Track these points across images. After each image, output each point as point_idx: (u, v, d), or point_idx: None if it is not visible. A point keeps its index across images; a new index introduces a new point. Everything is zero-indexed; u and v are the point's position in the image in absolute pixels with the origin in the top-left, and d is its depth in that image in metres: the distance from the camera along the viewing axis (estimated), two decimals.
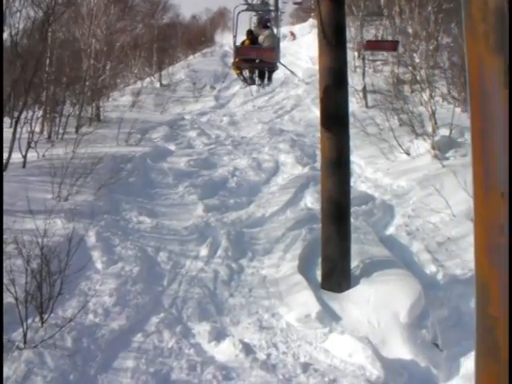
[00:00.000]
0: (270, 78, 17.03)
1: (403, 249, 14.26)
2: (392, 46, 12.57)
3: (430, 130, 21.58)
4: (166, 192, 17.72)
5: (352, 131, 26.33)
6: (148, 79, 42.35)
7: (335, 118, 11.29)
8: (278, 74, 40.74)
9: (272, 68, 16.02)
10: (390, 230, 15.38)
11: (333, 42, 10.82)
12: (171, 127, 27.56)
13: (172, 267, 12.57)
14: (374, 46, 12.17)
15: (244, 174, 20.09)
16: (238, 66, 16.00)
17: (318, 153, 23.57)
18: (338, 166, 11.44)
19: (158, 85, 41.01)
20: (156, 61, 43.76)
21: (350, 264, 11.88)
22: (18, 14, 21.89)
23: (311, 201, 16.57)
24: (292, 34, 33.73)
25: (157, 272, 12.30)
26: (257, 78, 16.99)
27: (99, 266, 12.01)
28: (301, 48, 47.99)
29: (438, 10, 32.37)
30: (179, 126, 28.68)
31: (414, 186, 17.93)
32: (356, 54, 36.04)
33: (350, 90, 30.32)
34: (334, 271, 11.71)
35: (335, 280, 11.66)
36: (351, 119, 28.90)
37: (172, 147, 23.40)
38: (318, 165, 21.54)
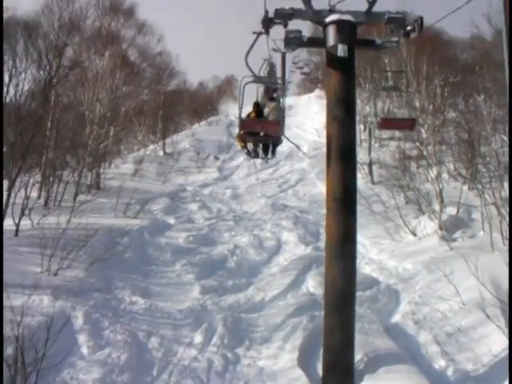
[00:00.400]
0: (274, 152, 16.98)
1: (410, 339, 13.38)
2: (409, 124, 12.14)
3: (436, 208, 20.97)
4: (162, 269, 16.96)
5: (357, 209, 26.36)
6: (152, 147, 42.12)
7: (342, 196, 10.63)
8: (283, 147, 40.39)
9: (276, 142, 15.93)
10: (396, 318, 14.51)
11: (342, 115, 10.27)
12: (172, 199, 27.01)
13: (163, 355, 11.66)
14: (390, 124, 11.83)
15: (244, 253, 19.36)
16: (242, 139, 15.93)
17: (322, 231, 23.15)
18: (343, 251, 10.70)
19: (161, 153, 40.82)
20: (160, 128, 43.62)
21: (353, 357, 11.00)
22: (23, 75, 21.68)
23: (313, 285, 15.72)
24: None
25: (146, 360, 11.41)
26: (261, 151, 17.04)
27: (85, 351, 11.14)
28: (307, 119, 47.91)
29: (445, 84, 32.14)
30: (180, 198, 28.14)
31: (421, 269, 17.16)
32: (362, 127, 35.86)
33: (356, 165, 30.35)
34: (337, 365, 10.80)
35: (337, 375, 10.75)
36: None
37: (171, 221, 22.75)
38: (322, 244, 20.95)
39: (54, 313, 11.12)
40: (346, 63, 10.14)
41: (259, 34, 11.10)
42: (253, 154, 17.13)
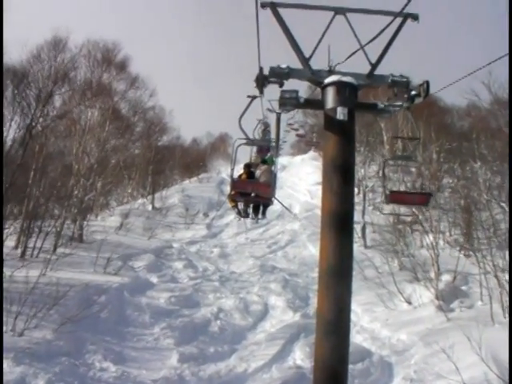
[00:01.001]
0: (264, 213, 16.94)
1: None
2: (423, 199, 10.22)
3: (432, 275, 20.01)
4: (139, 332, 15.82)
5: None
6: (140, 201, 41.21)
7: (337, 269, 9.63)
8: (275, 206, 39.56)
9: (267, 203, 15.12)
10: None
11: (339, 182, 9.33)
12: (157, 256, 25.91)
13: None
14: (401, 198, 10.39)
15: (229, 317, 18.24)
16: (233, 199, 15.88)
17: (312, 295, 22.12)
18: (336, 329, 9.66)
19: (150, 207, 39.78)
20: (150, 182, 42.74)
21: None
22: (8, 124, 20.92)
23: (301, 356, 14.57)
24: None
25: None
26: (251, 212, 16.93)
27: None
28: (300, 180, 47.14)
29: (441, 149, 31.50)
30: (166, 255, 27.06)
31: (416, 341, 16.13)
32: (356, 190, 35.15)
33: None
34: None
35: None
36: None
37: (154, 279, 21.59)
38: (311, 310, 19.90)
39: (13, 380, 9.96)
40: (345, 127, 9.23)
41: (253, 97, 10.36)
42: (243, 214, 16.87)
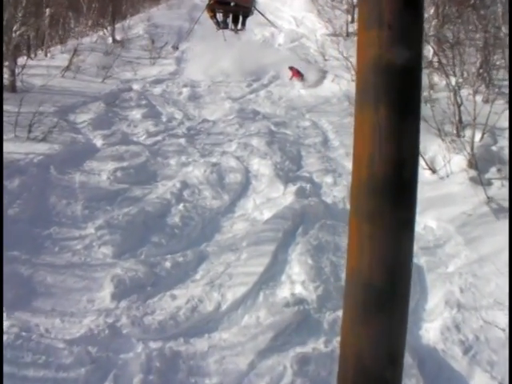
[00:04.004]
0: (244, 23, 17.66)
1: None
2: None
3: (466, 134, 15.26)
4: (65, 235, 10.94)
5: (347, 121, 20.44)
6: (100, 33, 35.26)
7: (398, 185, 4.64)
8: (256, 35, 34.17)
9: (247, 13, 16.84)
10: (426, 335, 8.94)
11: None
12: (109, 104, 20.64)
13: None
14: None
15: (196, 196, 13.50)
16: (212, 9, 16.40)
17: (304, 154, 17.39)
18: (385, 301, 4.81)
19: (110, 40, 33.84)
20: (111, 11, 36.40)
21: None
22: None
23: (302, 277, 9.67)
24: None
25: None
26: (230, 22, 17.52)
27: None
28: (284, 5, 40.91)
29: None
30: (122, 102, 21.84)
31: (452, 233, 11.61)
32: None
33: (346, 64, 24.22)
34: None
35: None
36: (344, 103, 22.92)
37: (99, 141, 16.36)
38: (306, 176, 15.34)
39: None
40: None
41: None
42: (222, 25, 17.44)
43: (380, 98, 3.98)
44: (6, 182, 11.71)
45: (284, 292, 9.31)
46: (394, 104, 4.01)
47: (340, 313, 8.88)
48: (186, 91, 25.03)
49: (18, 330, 7.75)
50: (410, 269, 4.42)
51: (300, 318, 8.59)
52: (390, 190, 4.21)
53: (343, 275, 9.09)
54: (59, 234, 10.90)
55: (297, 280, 9.55)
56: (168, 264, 10.06)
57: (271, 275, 9.83)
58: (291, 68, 27.14)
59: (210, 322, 8.70)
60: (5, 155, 12.83)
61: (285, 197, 13.41)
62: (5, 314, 8.07)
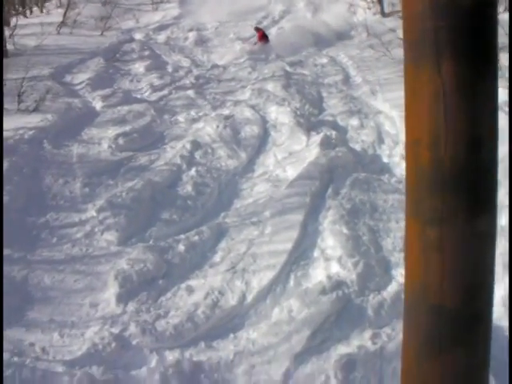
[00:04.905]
0: None
1: None
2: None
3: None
4: (63, 221, 9.50)
5: (367, 54, 18.74)
6: None
7: (474, 174, 3.17)
8: None
9: None
10: None
11: None
12: (109, 59, 19.09)
13: None
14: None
15: (210, 156, 12.02)
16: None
17: (325, 95, 15.87)
18: (465, 329, 3.48)
19: None
20: None
21: None
22: None
23: (337, 251, 8.18)
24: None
25: None
26: None
27: None
28: None
29: None
30: (123, 55, 20.29)
31: None
32: None
33: None
34: None
35: None
36: (362, 35, 21.14)
37: (98, 103, 14.79)
38: (329, 120, 13.84)
39: None
40: None
41: None
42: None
43: (442, 50, 2.80)
44: None
45: (318, 273, 7.86)
46: (463, 58, 2.80)
47: (386, 293, 7.50)
48: (192, 36, 23.57)
49: (8, 356, 6.42)
50: (492, 287, 3.07)
51: (339, 306, 7.16)
52: (463, 181, 2.86)
53: (384, 243, 7.62)
54: (57, 221, 9.52)
55: (332, 256, 8.09)
56: (181, 247, 8.63)
57: (301, 252, 8.38)
58: (258, 30, 23.24)
59: (234, 319, 7.30)
60: None
61: (309, 149, 11.90)
62: None
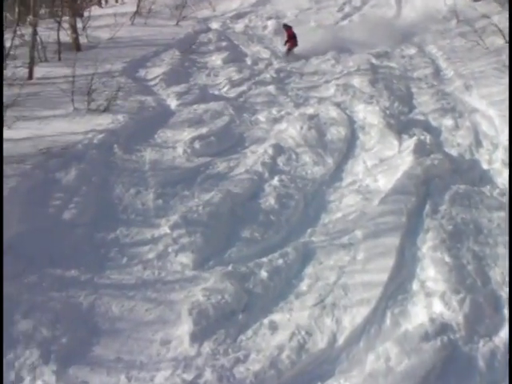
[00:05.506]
0: None
1: None
2: None
3: None
4: (134, 237, 8.61)
5: (458, 43, 17.34)
6: None
7: None
8: None
9: None
10: None
11: None
12: (184, 51, 18.25)
13: None
14: None
15: (294, 162, 11.03)
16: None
17: (415, 90, 14.65)
18: None
19: None
20: None
21: None
22: None
23: (440, 284, 6.97)
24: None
25: None
26: None
27: None
28: None
29: None
30: (199, 46, 19.45)
31: None
32: None
33: None
34: None
35: None
36: (452, 22, 19.71)
37: (172, 101, 13.98)
38: (420, 119, 12.65)
39: None
40: None
41: None
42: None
43: None
44: (60, 175, 9.60)
45: (418, 312, 6.75)
46: None
47: (498, 339, 6.34)
48: (271, 24, 22.58)
49: None
50: None
51: (444, 355, 6.06)
52: None
53: (492, 274, 6.42)
54: (127, 238, 8.66)
55: (434, 291, 6.96)
56: (264, 273, 7.66)
57: (399, 284, 7.26)
58: (287, 28, 20.22)
59: (323, 365, 6.27)
60: (59, 138, 10.75)
61: (401, 156, 10.78)
62: (55, 371, 6.00)
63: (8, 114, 11.34)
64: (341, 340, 6.51)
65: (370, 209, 9.17)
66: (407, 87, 14.75)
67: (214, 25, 22.73)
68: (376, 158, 11.09)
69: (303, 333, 6.60)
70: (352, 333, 6.57)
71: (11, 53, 14.37)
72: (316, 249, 8.39)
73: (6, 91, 12.31)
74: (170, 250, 8.29)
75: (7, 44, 14.60)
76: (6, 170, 9.14)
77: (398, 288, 7.22)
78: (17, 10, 15.50)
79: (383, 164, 10.75)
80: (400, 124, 12.38)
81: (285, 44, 19.77)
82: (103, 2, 26.32)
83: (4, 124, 11.02)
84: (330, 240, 8.59)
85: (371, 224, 8.53)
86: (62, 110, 12.47)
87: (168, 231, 8.64)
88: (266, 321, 6.96)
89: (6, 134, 10.61)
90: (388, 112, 12.85)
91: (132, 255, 8.27)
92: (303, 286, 7.59)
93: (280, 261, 7.97)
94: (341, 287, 7.30)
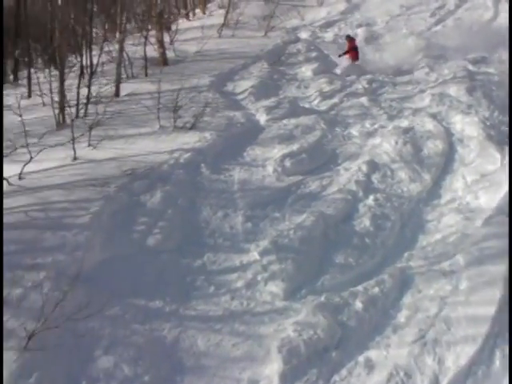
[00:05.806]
0: None
1: None
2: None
3: None
4: (222, 264, 8.20)
5: None
6: None
7: None
8: None
9: None
10: None
11: None
12: (273, 63, 17.84)
13: None
14: None
15: (389, 179, 10.48)
16: None
17: None
18: None
19: None
20: None
21: None
22: None
23: None
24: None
25: None
26: None
27: None
28: None
29: None
30: (288, 57, 18.96)
31: None
32: None
33: None
34: None
35: None
36: None
37: (262, 116, 13.58)
38: None
39: None
40: None
41: None
42: None
43: None
44: (145, 197, 9.28)
45: None
46: None
47: None
48: (361, 32, 21.97)
49: None
50: None
51: None
52: None
53: None
54: (215, 265, 8.26)
55: None
56: (359, 304, 7.12)
57: (507, 319, 6.56)
58: (350, 39, 19.11)
59: None
60: (144, 158, 10.48)
61: (504, 170, 10.04)
62: None
63: (93, 133, 11.21)
64: (444, 383, 5.89)
65: (472, 230, 8.51)
66: (507, 94, 13.86)
67: (303, 34, 22.28)
68: (476, 172, 10.42)
69: (402, 374, 6.07)
70: (456, 375, 6.01)
71: (98, 70, 14.32)
72: (414, 275, 7.81)
73: (93, 109, 12.22)
74: (259, 278, 7.86)
75: (94, 61, 14.58)
76: (90, 193, 8.92)
77: (506, 323, 6.52)
78: (106, 26, 15.44)
79: (484, 180, 10.07)
80: (501, 135, 11.67)
81: (339, 56, 18.82)
82: (191, 14, 26.21)
83: (89, 144, 10.92)
84: (428, 265, 7.99)
85: (474, 249, 7.87)
86: (148, 128, 12.24)
87: (257, 257, 8.22)
88: (361, 358, 6.43)
89: (91, 154, 10.50)
90: (488, 123, 12.12)
91: (219, 284, 7.86)
92: (401, 318, 7.03)
93: (376, 289, 7.43)
94: (443, 321, 6.70)
